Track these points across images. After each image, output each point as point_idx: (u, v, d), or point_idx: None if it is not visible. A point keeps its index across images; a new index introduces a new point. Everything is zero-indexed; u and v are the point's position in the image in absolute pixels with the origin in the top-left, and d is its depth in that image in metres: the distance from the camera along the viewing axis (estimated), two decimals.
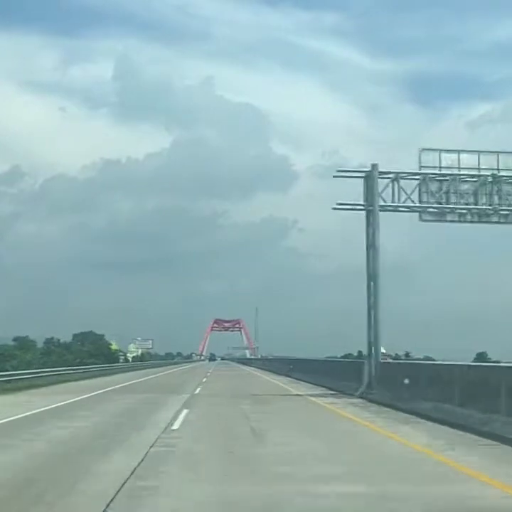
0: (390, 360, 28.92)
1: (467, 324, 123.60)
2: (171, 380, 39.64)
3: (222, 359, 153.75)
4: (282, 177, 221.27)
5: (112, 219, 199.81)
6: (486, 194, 23.53)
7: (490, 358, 70.93)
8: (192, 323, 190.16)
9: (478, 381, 13.55)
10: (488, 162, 23.82)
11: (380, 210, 23.18)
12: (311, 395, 23.72)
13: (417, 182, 23.64)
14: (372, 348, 22.50)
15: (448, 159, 23.60)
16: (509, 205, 23.60)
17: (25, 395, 23.88)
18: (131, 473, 8.43)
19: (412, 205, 23.51)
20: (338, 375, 28.36)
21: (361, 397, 21.80)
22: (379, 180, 23.33)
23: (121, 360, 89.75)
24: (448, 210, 23.63)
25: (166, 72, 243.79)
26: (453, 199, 23.55)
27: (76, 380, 37.02)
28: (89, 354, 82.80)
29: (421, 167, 23.61)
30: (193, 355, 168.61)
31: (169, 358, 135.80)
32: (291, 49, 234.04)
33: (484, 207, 23.54)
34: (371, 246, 23.08)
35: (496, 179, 23.43)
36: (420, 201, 23.53)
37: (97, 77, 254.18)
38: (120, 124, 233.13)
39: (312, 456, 10.04)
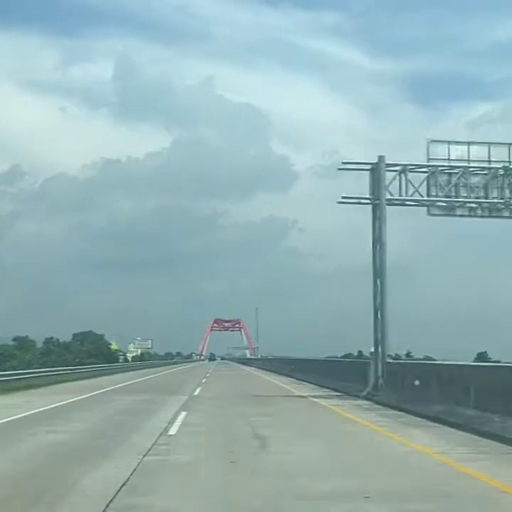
0: (390, 360, 27.98)
1: (468, 324, 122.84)
2: (170, 380, 39.02)
3: (222, 359, 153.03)
4: (282, 177, 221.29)
5: (112, 219, 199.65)
6: (497, 187, 22.59)
7: (490, 358, 70.51)
8: (192, 323, 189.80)
9: (498, 383, 12.62)
10: (498, 154, 22.86)
11: (387, 204, 22.24)
12: (314, 397, 22.81)
13: (425, 175, 22.69)
14: (379, 348, 21.56)
15: (457, 151, 22.66)
16: None
17: (21, 396, 23.12)
18: (118, 491, 7.46)
19: (420, 198, 22.55)
20: (341, 375, 27.49)
21: (367, 399, 20.88)
22: (386, 173, 22.36)
23: (120, 360, 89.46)
24: (457, 205, 22.68)
25: (166, 72, 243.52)
26: (463, 193, 22.61)
27: (75, 380, 36.54)
28: (89, 354, 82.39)
29: (429, 159, 22.67)
30: (193, 355, 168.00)
31: (169, 358, 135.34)
32: (291, 49, 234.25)
33: (495, 201, 22.60)
34: (377, 241, 22.13)
35: (508, 172, 22.48)
36: (428, 195, 22.58)
37: (97, 77, 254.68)
38: (120, 124, 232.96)
39: (323, 467, 9.10)
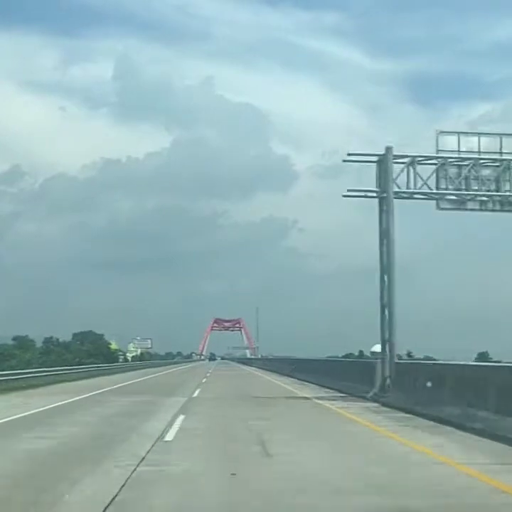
0: (399, 360, 27.05)
1: (468, 324, 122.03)
2: (169, 380, 38.21)
3: (222, 359, 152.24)
4: (282, 177, 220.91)
5: (112, 219, 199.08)
6: (509, 180, 21.64)
7: (491, 358, 69.95)
8: (192, 323, 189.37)
9: None
10: (510, 146, 21.94)
11: (394, 198, 21.29)
12: (318, 398, 21.90)
13: (434, 167, 21.74)
14: (387, 347, 20.62)
15: (467, 143, 21.72)
16: None
17: (15, 397, 22.35)
18: (106, 508, 6.54)
19: (429, 191, 21.59)
20: (345, 375, 26.57)
21: (374, 401, 19.96)
22: (393, 165, 21.42)
23: (120, 360, 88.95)
24: (468, 198, 21.73)
25: (166, 72, 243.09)
26: (473, 185, 21.66)
27: (74, 380, 35.97)
28: (89, 354, 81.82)
29: (438, 151, 21.73)
30: (193, 354, 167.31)
31: (169, 358, 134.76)
32: (291, 49, 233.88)
33: (507, 194, 21.65)
34: (385, 236, 21.17)
35: None
36: (438, 188, 21.63)
37: (97, 77, 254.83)
38: (120, 124, 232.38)
39: (335, 479, 8.15)
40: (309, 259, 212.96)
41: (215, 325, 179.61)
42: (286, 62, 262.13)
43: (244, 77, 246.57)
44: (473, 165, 21.64)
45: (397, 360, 20.59)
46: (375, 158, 21.76)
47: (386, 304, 20.85)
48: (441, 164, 21.59)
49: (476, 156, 21.67)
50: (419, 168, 21.63)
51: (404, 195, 21.66)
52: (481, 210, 22.07)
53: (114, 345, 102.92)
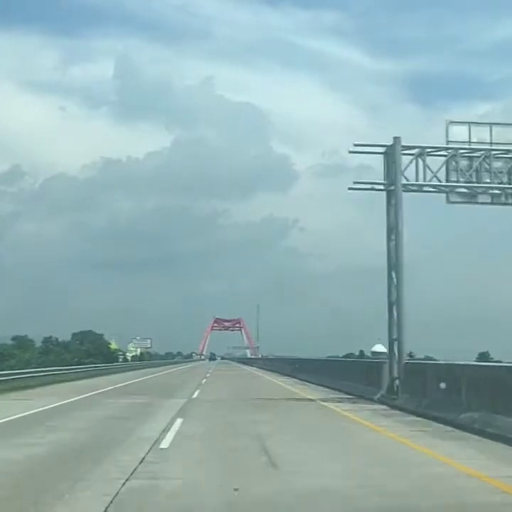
0: (408, 360, 26.15)
1: (468, 324, 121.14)
2: (168, 380, 37.44)
3: (223, 359, 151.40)
4: (282, 177, 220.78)
5: (112, 218, 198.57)
6: None
7: (492, 358, 69.58)
8: (192, 323, 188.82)
9: None
10: None
11: (403, 191, 20.32)
12: (323, 400, 20.96)
13: (443, 159, 20.76)
14: (395, 347, 19.65)
15: (479, 133, 20.77)
16: None
17: (2, 399, 21.28)
18: None
19: (439, 184, 20.62)
20: (349, 376, 25.64)
21: (382, 403, 19.04)
22: (401, 156, 20.44)
23: (120, 360, 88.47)
24: (480, 191, 20.76)
25: (166, 71, 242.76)
26: (485, 178, 20.69)
27: (73, 380, 35.26)
28: (88, 353, 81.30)
29: (448, 142, 20.76)
30: (193, 354, 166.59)
31: (169, 358, 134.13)
32: (291, 49, 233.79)
33: None
34: (393, 230, 20.18)
35: None
36: (447, 180, 20.66)
37: (97, 77, 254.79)
38: (120, 124, 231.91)
39: (352, 496, 7.19)
40: (309, 259, 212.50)
41: (215, 325, 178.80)
42: (286, 62, 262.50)
43: (244, 76, 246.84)
44: (485, 157, 20.68)
45: (406, 360, 19.61)
46: (382, 149, 20.79)
47: (394, 301, 19.89)
48: (452, 156, 20.62)
49: (487, 147, 20.72)
50: (428, 160, 20.67)
51: (413, 188, 20.68)
52: (492, 203, 21.08)
53: (113, 345, 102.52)
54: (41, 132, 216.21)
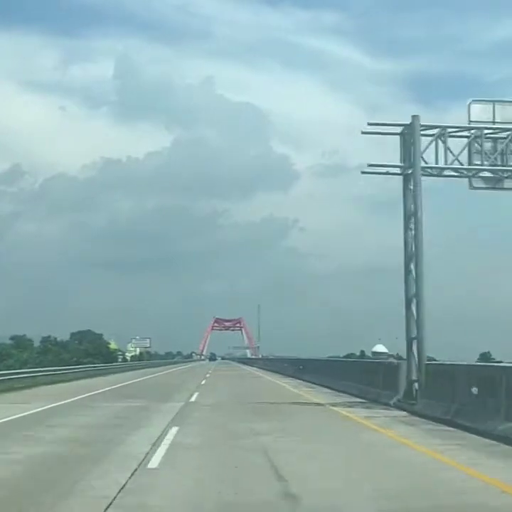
0: (393, 360, 24.54)
1: (468, 324, 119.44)
2: (167, 381, 36.28)
3: (223, 359, 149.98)
4: (283, 176, 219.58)
5: (112, 218, 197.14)
6: None
7: (493, 358, 68.50)
8: (192, 323, 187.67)
9: None
10: None
11: (422, 175, 18.48)
12: (333, 404, 19.14)
13: (465, 141, 18.92)
14: (414, 347, 17.81)
15: (505, 113, 18.95)
16: None
17: None
18: None
19: (461, 166, 18.76)
20: (359, 378, 23.86)
21: (400, 408, 17.22)
22: (420, 138, 18.59)
23: (119, 360, 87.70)
24: (506, 175, 18.91)
25: (166, 71, 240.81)
26: (511, 161, 18.85)
27: (70, 380, 34.44)
28: (87, 353, 79.92)
29: (470, 122, 18.94)
30: (193, 354, 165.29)
31: (169, 358, 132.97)
32: (292, 48, 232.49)
33: None
34: (411, 217, 18.28)
35: None
36: (470, 164, 18.83)
37: (97, 77, 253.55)
38: (120, 124, 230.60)
39: None
40: (309, 259, 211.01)
41: (216, 324, 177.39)
42: (287, 61, 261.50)
43: (244, 76, 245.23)
44: None
45: (426, 361, 17.77)
46: (398, 130, 18.97)
47: (412, 296, 18.04)
48: (475, 137, 18.78)
49: None
50: (449, 142, 18.81)
51: (433, 172, 18.84)
52: None
53: (113, 345, 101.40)
54: (41, 132, 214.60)
